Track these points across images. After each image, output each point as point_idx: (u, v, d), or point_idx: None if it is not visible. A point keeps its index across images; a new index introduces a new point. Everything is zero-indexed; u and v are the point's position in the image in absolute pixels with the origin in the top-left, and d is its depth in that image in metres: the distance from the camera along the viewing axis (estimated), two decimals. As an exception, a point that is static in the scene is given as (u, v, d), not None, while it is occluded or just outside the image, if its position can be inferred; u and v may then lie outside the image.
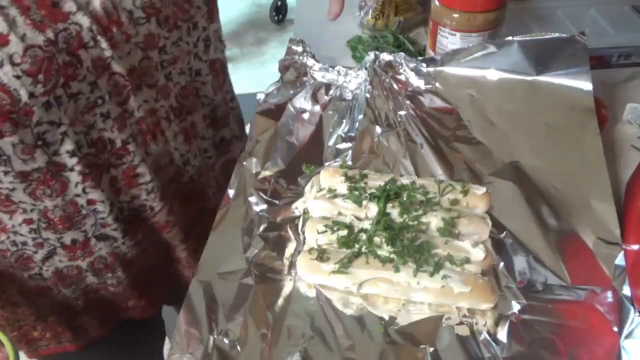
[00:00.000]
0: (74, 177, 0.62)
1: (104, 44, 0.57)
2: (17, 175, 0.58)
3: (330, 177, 0.65)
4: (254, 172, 0.68)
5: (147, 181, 0.68)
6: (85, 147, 0.61)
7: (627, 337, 0.50)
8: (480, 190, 0.62)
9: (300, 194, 0.66)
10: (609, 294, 0.53)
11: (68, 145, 0.59)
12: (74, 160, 0.60)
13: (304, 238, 0.60)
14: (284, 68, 0.81)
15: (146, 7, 0.60)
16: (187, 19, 0.66)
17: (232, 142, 0.84)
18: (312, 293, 0.55)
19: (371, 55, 0.81)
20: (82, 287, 0.74)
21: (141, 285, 0.80)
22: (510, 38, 0.78)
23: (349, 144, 0.72)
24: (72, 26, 0.55)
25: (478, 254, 0.55)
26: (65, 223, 0.65)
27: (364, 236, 0.57)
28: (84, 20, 0.55)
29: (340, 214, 0.61)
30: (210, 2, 0.69)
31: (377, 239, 0.57)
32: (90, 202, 0.65)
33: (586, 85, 0.74)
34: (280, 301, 0.55)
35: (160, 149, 0.68)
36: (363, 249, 0.56)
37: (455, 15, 0.81)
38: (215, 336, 0.52)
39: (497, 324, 0.52)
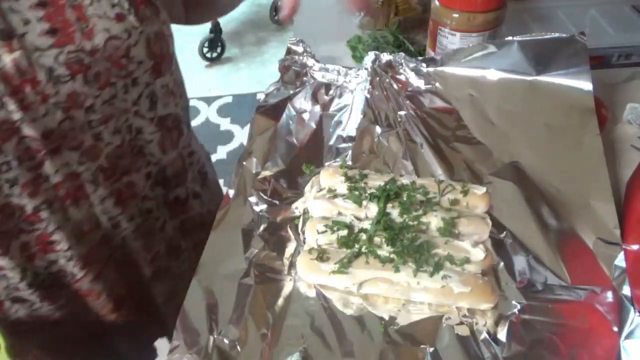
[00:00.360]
0: None
1: (11, 106, 0.52)
2: None
3: (330, 177, 0.65)
4: (254, 172, 0.68)
5: (64, 248, 0.63)
6: None
7: (627, 337, 0.50)
8: (480, 190, 0.62)
9: (300, 194, 0.65)
10: (609, 294, 0.53)
11: None
12: None
13: (304, 238, 0.60)
14: (284, 68, 0.81)
15: (71, 63, 0.54)
16: (124, 76, 0.59)
17: (188, 200, 0.77)
18: (312, 293, 0.55)
19: (371, 55, 0.81)
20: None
21: (77, 348, 0.75)
22: (510, 38, 0.78)
23: (349, 144, 0.72)
24: None
25: (478, 254, 0.55)
26: None
27: (364, 236, 0.57)
28: None
29: (340, 214, 0.61)
30: (157, 56, 0.62)
31: (377, 239, 0.57)
32: None
33: (586, 85, 0.74)
34: (280, 301, 0.55)
35: (84, 214, 0.63)
36: (363, 249, 0.56)
37: (455, 15, 0.81)
38: (215, 336, 0.52)
39: (497, 324, 0.52)
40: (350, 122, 0.74)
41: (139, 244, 0.72)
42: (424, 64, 0.80)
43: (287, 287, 0.56)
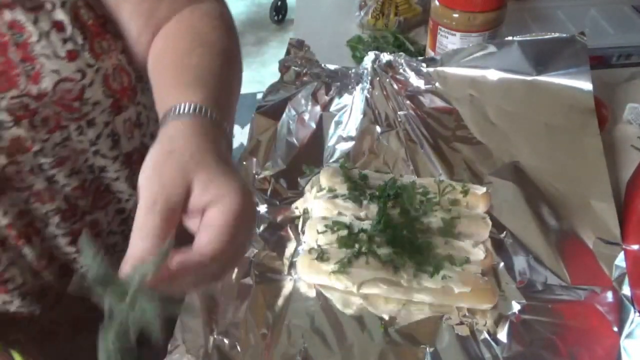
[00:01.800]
0: None
1: None
2: None
3: (330, 177, 0.65)
4: (254, 172, 0.68)
5: (18, 285, 0.58)
6: None
7: (627, 337, 0.50)
8: (480, 190, 0.62)
9: (300, 194, 0.65)
10: (609, 294, 0.53)
11: None
12: None
13: (304, 238, 0.60)
14: (284, 68, 0.81)
15: (14, 109, 0.50)
16: (77, 118, 0.54)
17: None
18: (312, 293, 0.55)
19: (371, 55, 0.81)
20: None
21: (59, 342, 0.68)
22: (510, 38, 0.78)
23: (349, 144, 0.72)
24: None
25: (478, 254, 0.55)
26: None
27: (364, 236, 0.57)
28: None
29: (340, 214, 0.61)
30: (116, 92, 0.57)
31: (377, 239, 0.57)
32: None
33: (586, 85, 0.74)
34: (280, 301, 0.55)
35: (37, 251, 0.59)
36: (363, 249, 0.56)
37: (455, 15, 0.81)
38: (215, 336, 0.52)
39: (497, 324, 0.52)
40: (350, 122, 0.74)
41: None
42: (424, 64, 0.80)
43: (287, 287, 0.56)
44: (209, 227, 0.38)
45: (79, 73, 0.52)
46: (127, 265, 0.36)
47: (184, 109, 0.43)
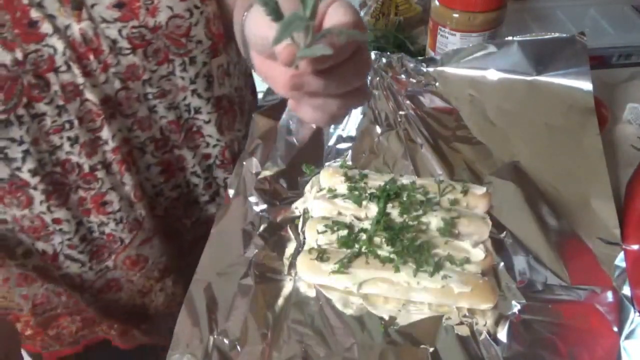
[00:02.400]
0: (38, 195, 0.61)
1: (76, 71, 0.56)
2: None
3: (330, 177, 0.65)
4: (254, 172, 0.68)
5: (115, 210, 0.66)
6: (49, 165, 0.60)
7: (627, 337, 0.50)
8: (480, 190, 0.62)
9: (300, 194, 0.65)
10: (609, 294, 0.53)
11: (30, 164, 0.59)
12: (37, 179, 0.60)
13: (304, 238, 0.60)
14: (284, 68, 0.81)
15: (133, 38, 0.58)
16: (182, 54, 0.62)
17: None
18: (312, 293, 0.55)
19: (371, 55, 0.81)
20: (62, 287, 0.73)
21: (112, 317, 0.77)
22: (510, 38, 0.78)
23: (349, 144, 0.72)
24: (45, 48, 0.54)
25: (478, 254, 0.55)
26: (35, 233, 0.65)
27: (364, 236, 0.57)
28: (59, 44, 0.54)
29: (340, 214, 0.61)
30: (214, 36, 0.64)
31: (377, 239, 0.57)
32: (55, 220, 0.64)
33: (586, 85, 0.74)
34: (280, 301, 0.55)
35: (135, 180, 0.66)
36: (363, 249, 0.56)
37: (455, 15, 0.81)
38: (215, 336, 0.52)
39: (497, 324, 0.52)
40: (350, 122, 0.74)
41: (179, 212, 0.75)
42: (424, 64, 0.80)
43: (287, 287, 0.56)
44: (333, 13, 0.37)
45: (187, 12, 0.60)
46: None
47: None
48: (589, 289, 0.54)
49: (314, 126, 0.74)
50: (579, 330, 0.51)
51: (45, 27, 0.53)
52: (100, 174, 0.63)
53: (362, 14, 1.03)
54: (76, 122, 0.59)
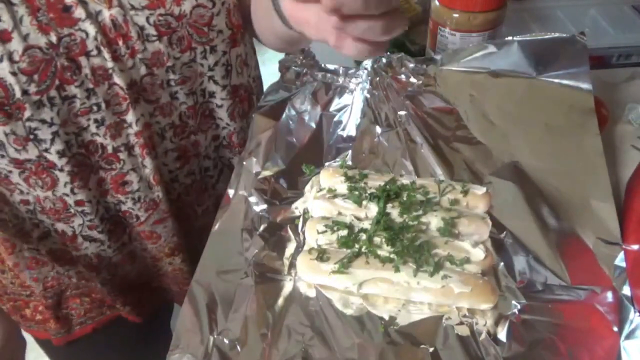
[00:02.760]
0: (63, 177, 0.63)
1: (106, 55, 0.58)
2: (11, 161, 0.60)
3: (330, 177, 0.65)
4: (254, 172, 0.68)
5: (134, 190, 0.68)
6: (75, 146, 0.62)
7: (627, 337, 0.50)
8: (480, 190, 0.62)
9: (300, 194, 0.65)
10: (609, 294, 0.53)
11: (58, 145, 0.60)
12: (64, 160, 0.61)
13: (304, 238, 0.60)
14: (283, 68, 0.81)
15: (159, 25, 0.60)
16: (204, 42, 0.65)
17: None
18: (312, 293, 0.55)
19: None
20: (75, 269, 0.75)
21: (126, 291, 0.80)
22: (510, 38, 0.78)
23: (349, 144, 0.72)
24: (78, 32, 0.56)
25: (478, 254, 0.55)
26: (55, 215, 0.66)
27: (364, 236, 0.57)
28: (91, 29, 0.56)
29: (340, 214, 0.61)
30: (234, 26, 0.67)
31: (377, 239, 0.57)
32: (78, 203, 0.65)
33: (586, 85, 0.74)
34: (280, 301, 0.55)
35: (154, 165, 0.68)
36: (363, 249, 0.56)
37: (455, 15, 0.81)
38: (215, 336, 0.52)
39: (497, 324, 0.52)
40: (350, 122, 0.74)
41: (192, 198, 0.77)
42: (424, 64, 0.80)
43: (287, 287, 0.56)
44: None
45: (210, 2, 0.63)
46: None
47: None
48: (589, 289, 0.54)
49: (313, 126, 0.74)
50: (579, 330, 0.51)
51: (79, 12, 0.56)
52: (122, 155, 0.65)
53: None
54: (103, 105, 0.61)
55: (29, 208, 0.67)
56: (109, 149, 0.64)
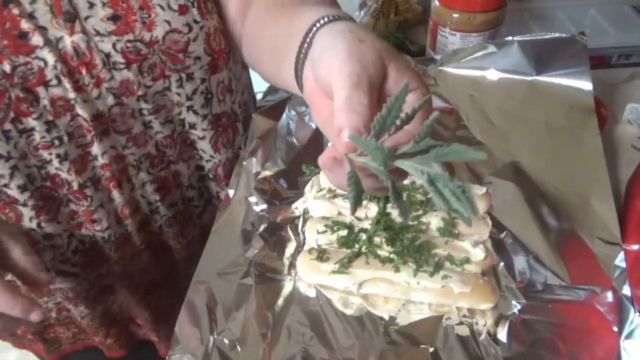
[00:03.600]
0: (27, 211, 0.59)
1: (67, 85, 0.53)
2: None
3: (330, 177, 0.65)
4: (254, 172, 0.68)
5: (103, 228, 0.65)
6: (39, 179, 0.58)
7: (627, 337, 0.50)
8: (480, 190, 0.62)
9: (300, 194, 0.65)
10: (609, 294, 0.53)
11: (18, 180, 0.56)
12: (26, 195, 0.58)
13: (304, 238, 0.60)
14: (284, 68, 0.81)
15: (128, 52, 0.55)
16: (179, 69, 0.59)
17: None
18: (312, 293, 0.55)
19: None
20: (54, 301, 0.72)
21: (107, 325, 0.76)
22: (510, 38, 0.78)
23: (349, 144, 0.71)
24: (35, 61, 0.51)
25: (478, 254, 0.55)
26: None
27: (364, 236, 0.57)
28: (49, 57, 0.52)
29: (340, 214, 0.61)
30: (215, 52, 0.61)
31: (377, 239, 0.57)
32: (46, 236, 0.62)
33: (586, 85, 0.74)
34: (280, 301, 0.55)
35: (125, 197, 0.64)
36: (363, 249, 0.56)
37: (455, 15, 0.81)
38: (215, 336, 0.52)
39: (497, 324, 0.52)
40: (350, 122, 0.74)
41: (175, 230, 0.73)
42: (424, 64, 0.80)
43: (287, 287, 0.56)
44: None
45: (186, 27, 0.57)
46: (344, 135, 0.34)
47: (331, 18, 0.43)
48: (589, 289, 0.54)
49: (313, 126, 0.74)
50: (579, 330, 0.51)
51: (36, 39, 0.51)
52: (89, 191, 0.61)
53: (362, 14, 1.03)
54: (66, 138, 0.57)
55: None
56: (75, 186, 0.60)
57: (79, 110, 0.56)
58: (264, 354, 0.51)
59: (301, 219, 0.62)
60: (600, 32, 0.94)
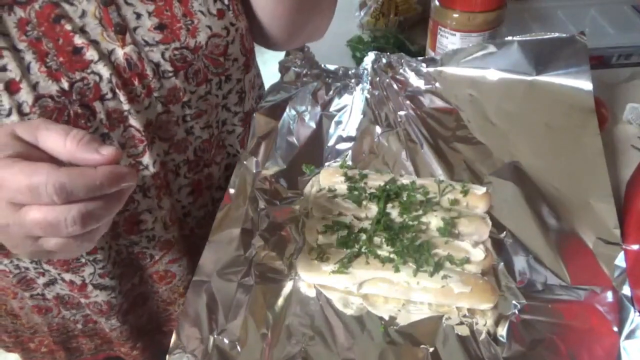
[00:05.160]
0: None
1: (122, 97, 0.54)
2: None
3: (330, 177, 0.65)
4: (254, 172, 0.68)
5: (148, 228, 0.65)
6: None
7: (627, 337, 0.50)
8: (480, 190, 0.62)
9: (300, 194, 0.65)
10: (609, 294, 0.53)
11: None
12: None
13: (304, 238, 0.60)
14: (283, 69, 0.81)
15: (175, 60, 0.56)
16: (219, 73, 0.61)
17: None
18: (312, 293, 0.55)
19: (371, 55, 0.81)
20: (82, 313, 0.72)
21: (135, 337, 0.77)
22: (510, 38, 0.78)
23: (349, 144, 0.72)
24: (90, 76, 0.52)
25: (478, 254, 0.55)
26: (64, 266, 0.63)
27: (364, 236, 0.57)
28: (104, 71, 0.52)
29: (340, 214, 0.61)
30: (247, 51, 0.64)
31: (377, 239, 0.57)
32: (90, 251, 0.62)
33: (586, 85, 0.74)
34: (280, 301, 0.55)
35: (169, 204, 0.65)
36: (363, 249, 0.56)
37: (455, 15, 0.81)
38: (215, 336, 0.52)
39: (497, 324, 0.52)
40: (350, 122, 0.74)
41: (204, 231, 0.73)
42: (424, 64, 0.80)
43: (287, 287, 0.56)
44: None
45: (225, 30, 0.59)
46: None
47: None
48: (589, 289, 0.54)
49: (313, 126, 0.74)
50: (579, 330, 0.51)
51: (90, 54, 0.51)
52: (137, 196, 0.61)
53: (362, 14, 1.03)
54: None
55: (34, 259, 0.62)
56: None
57: (132, 121, 0.56)
58: (263, 354, 0.51)
59: (301, 219, 0.62)
60: (600, 32, 0.94)
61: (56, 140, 0.37)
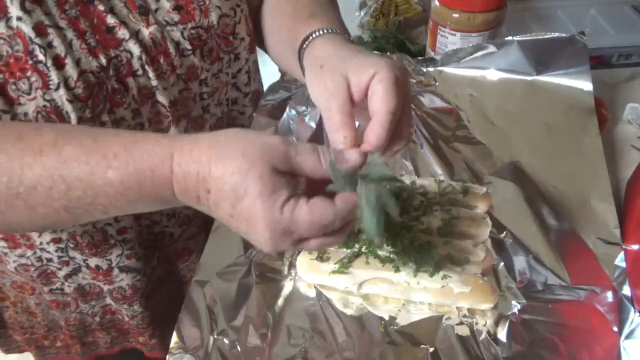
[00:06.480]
0: None
1: (151, 74, 0.57)
2: None
3: (330, 177, 0.65)
4: (254, 172, 0.68)
5: (171, 211, 0.67)
6: None
7: (627, 337, 0.50)
8: (480, 190, 0.62)
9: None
10: (609, 294, 0.53)
11: None
12: None
13: (304, 238, 0.60)
14: (284, 68, 0.81)
15: (192, 39, 0.59)
16: (229, 51, 0.65)
17: None
18: (312, 293, 0.55)
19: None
20: (101, 304, 0.74)
21: (154, 324, 0.78)
22: (510, 38, 0.78)
23: (349, 144, 0.71)
24: (123, 53, 0.55)
25: (478, 254, 0.55)
26: (92, 249, 0.64)
27: (364, 236, 0.57)
28: (135, 49, 0.55)
29: (340, 214, 0.60)
30: (251, 32, 0.67)
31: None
32: (120, 231, 0.64)
33: (586, 85, 0.74)
34: (280, 301, 0.55)
35: None
36: (363, 249, 0.56)
37: (455, 15, 0.81)
38: (215, 336, 0.52)
39: (497, 324, 0.52)
40: (350, 122, 0.74)
41: None
42: (424, 64, 0.80)
43: (287, 287, 0.56)
44: (374, 94, 0.44)
45: (232, 10, 0.63)
46: (353, 155, 0.42)
47: (317, 34, 0.53)
48: (589, 289, 0.54)
49: (313, 126, 0.74)
50: (579, 330, 0.51)
51: (122, 32, 0.54)
52: None
53: (362, 14, 1.03)
54: (147, 125, 0.60)
55: (60, 246, 0.63)
56: None
57: (159, 97, 0.59)
58: (263, 354, 0.51)
59: (301, 219, 0.62)
60: (600, 32, 0.94)
61: (313, 163, 0.41)
